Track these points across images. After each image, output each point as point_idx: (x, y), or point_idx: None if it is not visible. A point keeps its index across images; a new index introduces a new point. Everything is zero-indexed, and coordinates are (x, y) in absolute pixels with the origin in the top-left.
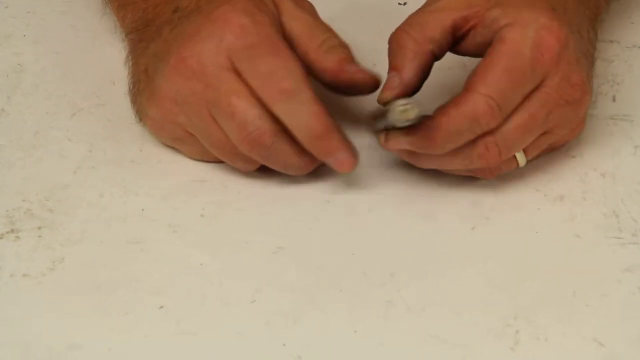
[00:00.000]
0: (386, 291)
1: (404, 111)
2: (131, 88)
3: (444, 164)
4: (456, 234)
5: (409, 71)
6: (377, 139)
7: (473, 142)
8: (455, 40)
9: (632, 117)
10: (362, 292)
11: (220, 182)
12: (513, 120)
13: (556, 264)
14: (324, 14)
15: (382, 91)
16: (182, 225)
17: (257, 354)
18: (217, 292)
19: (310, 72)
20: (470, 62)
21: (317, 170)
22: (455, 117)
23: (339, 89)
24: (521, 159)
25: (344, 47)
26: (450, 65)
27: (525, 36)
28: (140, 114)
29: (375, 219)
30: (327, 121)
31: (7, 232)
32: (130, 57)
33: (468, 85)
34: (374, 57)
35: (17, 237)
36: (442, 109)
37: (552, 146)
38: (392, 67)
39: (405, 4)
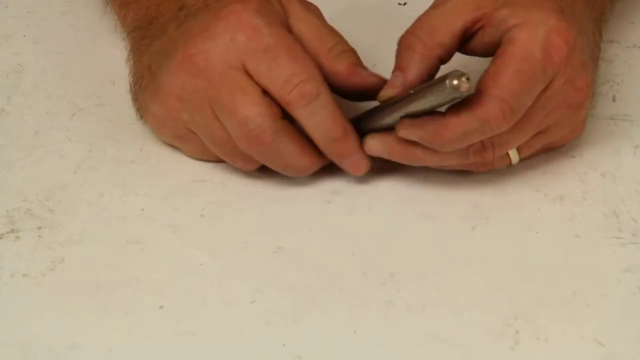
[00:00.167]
0: (386, 291)
1: (464, 81)
2: (133, 86)
3: (440, 161)
4: (456, 234)
5: (413, 72)
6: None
7: None
8: (463, 42)
9: (632, 117)
10: (362, 292)
11: (220, 182)
12: None
13: (556, 264)
14: (324, 14)
15: (384, 89)
16: (182, 225)
17: (257, 354)
18: (217, 292)
19: None
20: (472, 62)
21: (318, 170)
22: (466, 118)
23: (347, 93)
24: (514, 156)
25: (353, 52)
26: (450, 65)
27: (535, 37)
28: (142, 111)
29: (375, 219)
30: (345, 124)
31: (7, 232)
32: (132, 55)
33: (480, 87)
34: (374, 57)
35: (17, 237)
36: (454, 109)
37: (550, 146)
38: (398, 67)
39: (405, 4)
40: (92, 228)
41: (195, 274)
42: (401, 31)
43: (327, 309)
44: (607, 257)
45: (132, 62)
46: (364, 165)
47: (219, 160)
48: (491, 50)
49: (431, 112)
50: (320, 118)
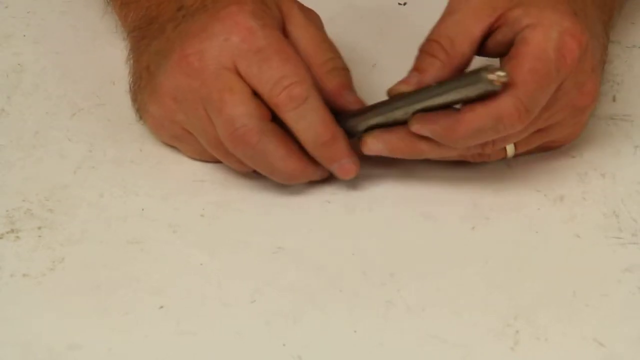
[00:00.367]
0: (386, 291)
1: (502, 75)
2: (132, 86)
3: (442, 153)
4: (456, 234)
5: (431, 76)
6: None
7: None
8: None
9: (632, 117)
10: (362, 292)
11: (220, 182)
12: None
13: (556, 264)
14: (324, 14)
15: (397, 83)
16: (182, 225)
17: (257, 354)
18: (216, 292)
19: None
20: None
21: None
22: (481, 115)
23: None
24: (510, 150)
25: (346, 70)
26: None
27: (549, 38)
28: (141, 112)
29: (375, 219)
30: (334, 128)
31: (7, 232)
32: (131, 55)
33: None
34: (374, 57)
35: (17, 237)
36: (469, 106)
37: (548, 145)
38: (416, 68)
39: (405, 4)
40: (92, 228)
41: (195, 274)
42: (401, 31)
43: (327, 309)
44: (607, 257)
45: (131, 62)
46: (353, 170)
47: (217, 161)
48: (503, 50)
49: (444, 108)
50: (309, 121)
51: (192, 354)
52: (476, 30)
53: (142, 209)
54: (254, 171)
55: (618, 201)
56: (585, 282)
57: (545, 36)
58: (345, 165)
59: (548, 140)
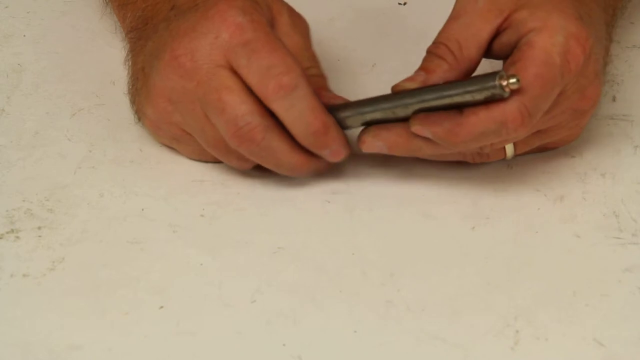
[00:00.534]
0: (386, 291)
1: (514, 82)
2: (130, 88)
3: (441, 153)
4: (456, 233)
5: (438, 77)
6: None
7: None
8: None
9: (632, 117)
10: (362, 292)
11: (220, 182)
12: None
13: (556, 264)
14: (324, 14)
15: (403, 81)
16: (182, 225)
17: (257, 354)
18: (217, 292)
19: None
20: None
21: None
22: (484, 119)
23: None
24: (509, 151)
25: (323, 77)
26: None
27: (555, 43)
28: (139, 114)
29: (375, 219)
30: (324, 116)
31: (7, 232)
32: (129, 57)
33: None
34: (374, 57)
35: (17, 237)
36: (472, 109)
37: (546, 146)
38: (423, 68)
39: (405, 3)
40: (92, 228)
41: (195, 274)
42: (401, 31)
43: (327, 309)
44: (607, 257)
45: (129, 63)
46: (343, 153)
47: (217, 161)
48: (507, 52)
49: (445, 108)
50: (299, 110)
51: (192, 354)
52: (484, 33)
53: (142, 209)
54: (253, 168)
55: (618, 201)
56: (585, 282)
57: (551, 40)
58: (335, 149)
59: (547, 141)
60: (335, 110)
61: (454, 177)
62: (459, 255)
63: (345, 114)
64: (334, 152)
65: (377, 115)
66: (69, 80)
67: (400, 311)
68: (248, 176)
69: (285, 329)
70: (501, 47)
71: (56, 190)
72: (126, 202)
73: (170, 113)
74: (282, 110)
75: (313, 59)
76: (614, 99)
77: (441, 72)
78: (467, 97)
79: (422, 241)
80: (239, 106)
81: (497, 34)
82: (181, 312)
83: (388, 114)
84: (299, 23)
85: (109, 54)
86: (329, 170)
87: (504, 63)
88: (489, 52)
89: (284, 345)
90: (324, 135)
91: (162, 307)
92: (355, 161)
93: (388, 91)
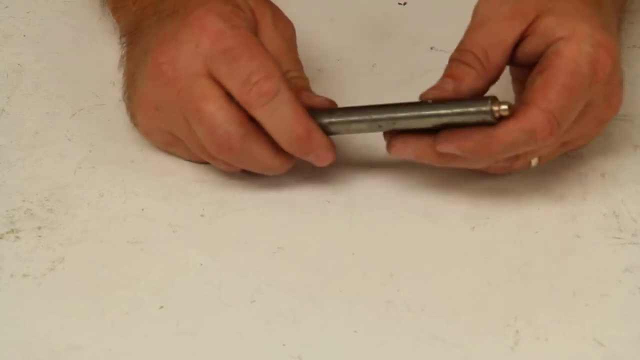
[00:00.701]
0: (386, 291)
1: (505, 109)
2: (124, 94)
3: (469, 164)
4: (456, 233)
5: (467, 86)
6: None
7: None
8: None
9: (632, 117)
10: (362, 292)
11: (220, 182)
12: None
13: (556, 264)
14: (324, 14)
15: (430, 89)
16: (182, 225)
17: (257, 354)
18: (217, 292)
19: None
20: None
21: (317, 170)
22: (513, 130)
23: None
24: (534, 161)
25: (305, 79)
26: None
27: (583, 52)
28: (133, 120)
29: (375, 219)
30: (307, 122)
31: (7, 232)
32: (123, 61)
33: (528, 100)
34: (374, 57)
35: (17, 237)
36: (503, 122)
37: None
38: (451, 75)
39: (405, 3)
40: (92, 228)
41: (195, 274)
42: (401, 31)
43: (327, 309)
44: (607, 257)
45: (123, 69)
46: (329, 158)
47: None
48: (530, 60)
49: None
50: (281, 115)
51: (191, 354)
52: (509, 39)
53: (142, 209)
54: (243, 170)
55: (618, 201)
56: (585, 282)
57: (579, 50)
58: (321, 154)
59: (569, 149)
60: (320, 115)
61: (454, 177)
62: (459, 255)
63: (330, 120)
64: (319, 158)
65: (363, 126)
66: (69, 80)
67: (400, 311)
68: (248, 176)
69: (285, 329)
70: (525, 54)
71: (56, 190)
72: (126, 202)
73: (158, 120)
74: (265, 117)
75: (296, 62)
76: None
77: (470, 80)
78: (457, 119)
79: (422, 241)
80: (215, 115)
81: (520, 40)
82: (181, 312)
83: (373, 127)
84: (282, 26)
85: (108, 54)
86: (329, 170)
87: (516, 70)
88: (513, 60)
89: (283, 345)
90: (306, 140)
91: (162, 307)
92: (355, 161)
93: (388, 91)
